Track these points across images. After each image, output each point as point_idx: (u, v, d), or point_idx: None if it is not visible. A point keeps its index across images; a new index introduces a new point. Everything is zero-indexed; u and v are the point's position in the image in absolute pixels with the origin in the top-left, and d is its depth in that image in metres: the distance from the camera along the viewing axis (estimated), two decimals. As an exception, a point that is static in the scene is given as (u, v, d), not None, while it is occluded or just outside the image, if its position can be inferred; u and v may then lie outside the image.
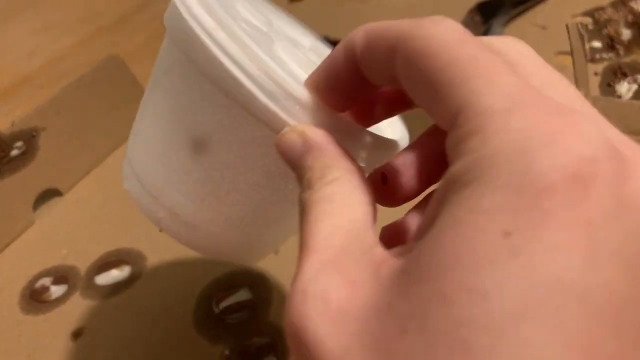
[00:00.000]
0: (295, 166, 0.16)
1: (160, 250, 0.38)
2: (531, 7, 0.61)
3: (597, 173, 0.11)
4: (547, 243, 0.10)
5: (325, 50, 0.26)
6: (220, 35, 0.17)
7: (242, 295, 0.34)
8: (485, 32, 0.57)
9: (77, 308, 0.35)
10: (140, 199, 0.22)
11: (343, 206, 0.14)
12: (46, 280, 0.36)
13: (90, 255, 0.38)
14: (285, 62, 0.20)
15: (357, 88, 0.16)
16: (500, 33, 0.57)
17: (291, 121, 0.17)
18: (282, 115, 0.17)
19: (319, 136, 0.16)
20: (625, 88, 0.49)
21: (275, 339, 0.32)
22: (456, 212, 0.11)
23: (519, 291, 0.10)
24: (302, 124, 0.17)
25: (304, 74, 0.17)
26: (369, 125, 0.19)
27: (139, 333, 0.33)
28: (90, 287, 0.36)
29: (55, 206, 0.42)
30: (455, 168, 0.12)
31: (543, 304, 0.10)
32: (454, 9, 0.62)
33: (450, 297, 0.11)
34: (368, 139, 0.18)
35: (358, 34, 0.16)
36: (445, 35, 0.13)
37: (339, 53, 0.16)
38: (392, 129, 0.23)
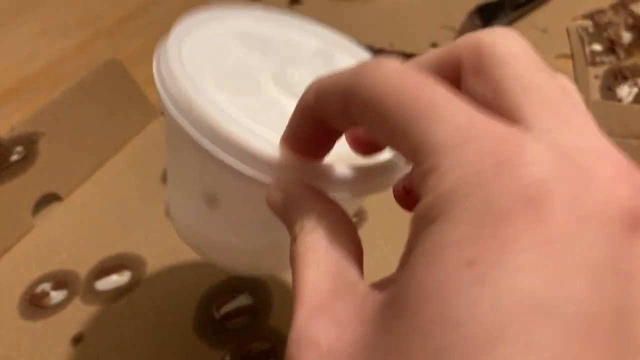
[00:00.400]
0: (282, 221, 0.18)
1: (160, 255, 0.37)
2: (531, 10, 0.61)
3: (551, 192, 0.12)
4: (510, 267, 0.11)
5: (333, 48, 0.26)
6: (194, 115, 0.19)
7: (243, 300, 0.34)
8: (485, 35, 0.57)
9: (77, 313, 0.34)
10: (178, 231, 0.26)
11: (325, 252, 0.15)
12: (46, 286, 0.36)
13: (90, 260, 0.38)
14: (269, 108, 0.21)
15: (327, 136, 0.18)
16: (500, 36, 0.56)
17: (270, 178, 0.18)
18: (262, 177, 0.18)
19: (297, 189, 0.17)
20: (625, 91, 0.49)
21: (275, 344, 0.32)
22: (425, 247, 0.12)
23: (488, 315, 0.11)
24: (283, 178, 0.18)
25: (288, 113, 0.18)
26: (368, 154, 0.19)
27: (139, 338, 0.33)
28: (90, 292, 0.36)
29: (55, 211, 0.42)
30: (421, 205, 0.13)
31: (513, 325, 0.11)
32: (454, 12, 0.61)
33: (426, 329, 0.11)
34: (350, 173, 0.19)
35: (308, 94, 0.17)
36: (386, 80, 0.14)
37: (296, 115, 0.17)
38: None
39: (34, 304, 0.35)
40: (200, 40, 0.23)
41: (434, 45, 0.56)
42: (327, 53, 0.26)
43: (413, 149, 0.13)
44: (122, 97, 0.47)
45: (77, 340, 0.33)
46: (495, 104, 0.14)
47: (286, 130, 0.18)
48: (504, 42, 0.15)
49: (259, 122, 0.20)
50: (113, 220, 0.41)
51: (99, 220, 0.41)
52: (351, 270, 0.15)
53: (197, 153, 0.19)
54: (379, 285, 0.14)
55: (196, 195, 0.22)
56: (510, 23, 0.59)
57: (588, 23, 0.58)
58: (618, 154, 0.13)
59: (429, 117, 0.13)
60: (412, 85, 0.14)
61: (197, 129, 0.19)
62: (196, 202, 0.22)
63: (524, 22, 0.60)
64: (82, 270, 0.37)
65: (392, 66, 0.14)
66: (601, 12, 0.58)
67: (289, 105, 0.19)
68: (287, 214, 0.17)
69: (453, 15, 0.61)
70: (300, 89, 0.19)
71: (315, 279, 0.15)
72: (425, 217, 0.13)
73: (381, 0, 0.66)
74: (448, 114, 0.13)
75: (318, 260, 0.15)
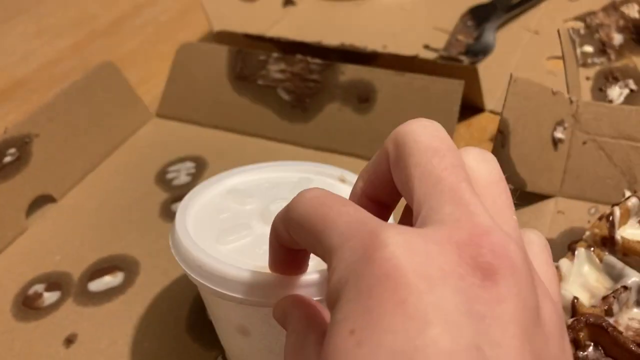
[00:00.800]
0: (283, 328, 0.21)
1: (153, 256, 0.38)
2: (523, 11, 0.62)
3: (401, 266, 0.15)
4: (378, 330, 0.14)
5: (312, 175, 0.32)
6: (204, 271, 0.25)
7: (235, 301, 0.34)
8: (479, 36, 0.57)
9: (70, 314, 0.35)
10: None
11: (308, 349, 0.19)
12: (39, 287, 0.36)
13: (84, 262, 0.38)
14: (261, 244, 0.27)
15: (295, 255, 0.23)
16: (492, 37, 0.57)
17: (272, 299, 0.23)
18: (269, 302, 0.24)
19: (287, 302, 0.22)
20: (616, 93, 0.49)
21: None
22: (330, 324, 0.16)
23: None
24: (282, 296, 0.23)
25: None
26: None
27: (132, 339, 0.33)
28: (83, 294, 0.36)
29: (48, 212, 0.42)
30: (327, 292, 0.17)
31: None
32: (447, 14, 0.62)
33: None
34: (320, 277, 0.24)
35: (271, 227, 0.22)
36: (305, 203, 0.19)
37: (270, 245, 0.23)
38: None
39: (27, 306, 0.35)
40: (201, 205, 0.30)
41: (427, 47, 0.56)
42: (307, 180, 0.31)
43: (322, 254, 0.18)
44: (115, 100, 0.47)
45: (70, 341, 0.33)
46: (406, 188, 0.18)
47: (269, 258, 0.23)
48: (415, 132, 0.19)
49: (254, 259, 0.26)
50: (106, 221, 0.41)
51: (93, 221, 0.41)
52: None
53: (219, 299, 0.26)
54: None
55: (231, 330, 0.28)
56: (502, 25, 0.59)
57: (580, 25, 0.58)
58: (483, 217, 0.16)
59: (327, 227, 0.17)
60: (319, 204, 0.18)
61: (209, 282, 0.25)
62: (233, 334, 0.28)
63: (516, 24, 0.60)
64: (76, 271, 0.37)
65: (312, 193, 0.19)
66: (592, 14, 0.59)
67: None
68: (284, 323, 0.21)
69: (446, 17, 0.61)
70: None
71: None
72: (329, 303, 0.16)
73: (375, 1, 0.67)
74: (337, 223, 0.17)
75: (304, 356, 0.19)
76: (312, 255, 0.25)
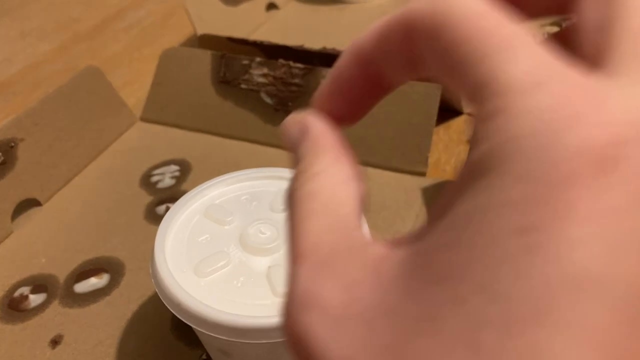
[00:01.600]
0: (290, 152, 0.16)
1: (139, 258, 0.38)
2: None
3: (624, 156, 0.10)
4: (566, 237, 0.10)
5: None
6: (182, 309, 0.26)
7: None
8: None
9: (55, 316, 0.35)
10: None
11: (332, 202, 0.14)
12: (25, 289, 0.37)
13: (69, 264, 0.38)
14: (239, 274, 0.28)
15: (373, 90, 0.16)
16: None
17: (244, 340, 0.25)
18: (239, 338, 0.25)
19: (314, 124, 0.16)
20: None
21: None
22: (470, 206, 0.11)
23: (534, 289, 0.10)
24: (303, 114, 0.17)
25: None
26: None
27: (117, 339, 0.34)
28: (69, 296, 0.36)
29: (34, 216, 0.42)
30: (472, 156, 0.11)
31: (560, 301, 0.10)
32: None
33: (465, 298, 0.10)
34: None
35: (364, 35, 0.15)
36: (463, 9, 0.12)
37: (341, 64, 0.16)
38: None
39: (13, 308, 0.36)
40: (180, 225, 0.30)
41: (407, 50, 0.57)
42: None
43: (478, 86, 0.12)
44: (100, 104, 0.48)
45: (56, 342, 0.34)
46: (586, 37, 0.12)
47: (322, 86, 0.16)
48: None
49: (232, 295, 0.27)
50: (92, 224, 0.41)
51: (78, 224, 0.41)
52: (359, 230, 0.13)
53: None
54: (396, 245, 0.12)
55: (215, 351, 0.30)
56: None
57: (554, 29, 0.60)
58: None
59: (504, 54, 0.11)
60: (491, 19, 0.12)
61: (188, 320, 0.26)
62: (216, 355, 0.30)
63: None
64: (61, 274, 0.38)
65: None
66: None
67: (255, 263, 0.28)
68: (297, 146, 0.15)
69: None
70: (258, 242, 0.29)
71: (318, 232, 0.13)
72: (473, 172, 0.11)
73: (357, 6, 0.68)
74: (527, 53, 0.11)
75: (323, 210, 0.13)
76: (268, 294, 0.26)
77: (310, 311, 0.12)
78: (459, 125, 0.49)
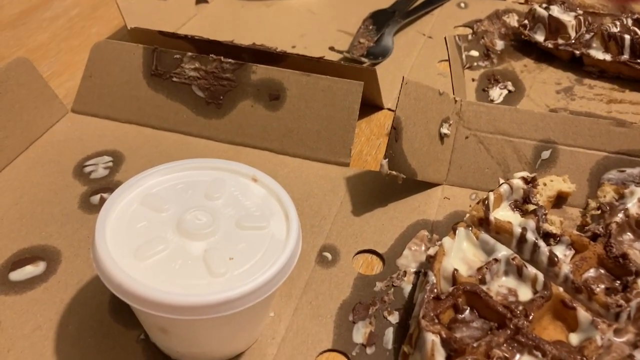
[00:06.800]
0: None
1: (75, 246, 0.39)
2: (419, 17, 0.67)
3: None
4: None
5: (226, 174, 0.35)
6: (123, 289, 0.28)
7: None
8: (379, 40, 0.62)
9: (-8, 304, 0.36)
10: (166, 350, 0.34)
11: None
12: (-42, 279, 0.37)
13: (3, 253, 0.39)
14: (176, 258, 0.30)
15: None
16: (391, 41, 0.62)
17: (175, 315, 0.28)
18: (182, 316, 0.28)
19: None
20: (497, 93, 0.56)
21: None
22: None
23: None
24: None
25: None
26: None
27: (56, 323, 0.35)
28: (4, 284, 0.37)
29: (-37, 206, 0.42)
30: None
31: None
32: (350, 18, 0.66)
33: None
34: None
35: None
36: None
37: None
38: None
39: (-52, 297, 0.36)
40: (119, 214, 0.32)
41: (332, 48, 0.61)
42: (221, 180, 0.34)
43: None
44: (30, 95, 0.48)
45: (-6, 328, 0.34)
46: None
47: None
48: None
49: (171, 275, 0.29)
50: (26, 214, 0.42)
51: (11, 214, 0.42)
52: None
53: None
54: None
55: (154, 328, 0.32)
56: (400, 29, 0.65)
57: (468, 31, 0.65)
58: None
59: None
60: None
61: (130, 300, 0.28)
62: (157, 333, 0.32)
63: (413, 29, 0.66)
64: (-4, 262, 0.38)
65: None
66: (479, 21, 0.65)
67: (192, 247, 0.30)
68: None
69: (350, 21, 0.66)
70: (194, 228, 0.31)
71: None
72: None
73: (284, 3, 0.70)
74: None
75: None
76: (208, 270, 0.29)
77: None
78: (379, 119, 0.53)
